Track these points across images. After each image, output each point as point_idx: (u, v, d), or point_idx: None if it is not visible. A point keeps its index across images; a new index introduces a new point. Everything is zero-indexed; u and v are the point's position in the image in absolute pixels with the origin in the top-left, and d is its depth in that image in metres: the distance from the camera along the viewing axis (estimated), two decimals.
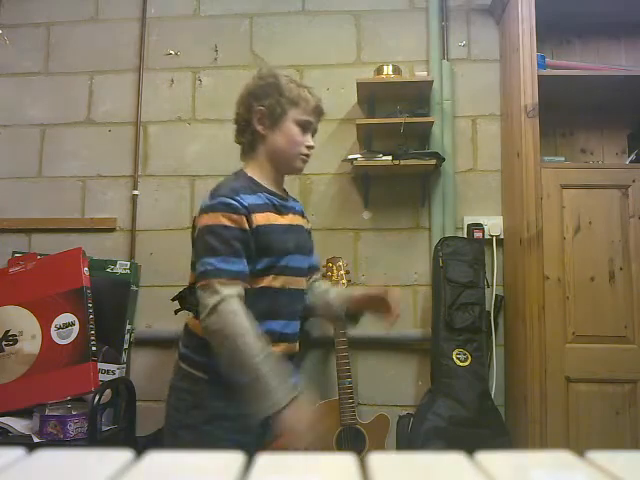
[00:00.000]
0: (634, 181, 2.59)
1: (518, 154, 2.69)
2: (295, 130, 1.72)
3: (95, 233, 3.12)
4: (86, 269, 2.63)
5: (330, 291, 1.94)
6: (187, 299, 1.91)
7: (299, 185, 3.07)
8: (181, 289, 2.80)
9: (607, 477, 0.38)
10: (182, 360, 1.69)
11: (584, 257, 2.56)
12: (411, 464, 0.40)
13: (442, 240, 2.88)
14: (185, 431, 1.61)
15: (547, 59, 2.80)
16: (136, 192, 3.12)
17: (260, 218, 1.62)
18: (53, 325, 2.52)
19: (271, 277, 1.64)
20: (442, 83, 3.05)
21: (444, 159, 2.92)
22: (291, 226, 1.74)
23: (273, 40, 3.20)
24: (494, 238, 2.95)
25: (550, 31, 2.88)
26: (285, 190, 1.85)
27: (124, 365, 2.81)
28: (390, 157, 2.82)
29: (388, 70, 2.94)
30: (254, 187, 1.69)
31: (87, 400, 2.44)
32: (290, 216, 1.76)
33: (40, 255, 2.76)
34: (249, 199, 1.62)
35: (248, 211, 1.60)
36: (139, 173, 3.15)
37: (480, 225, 2.96)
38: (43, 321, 2.54)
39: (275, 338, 1.63)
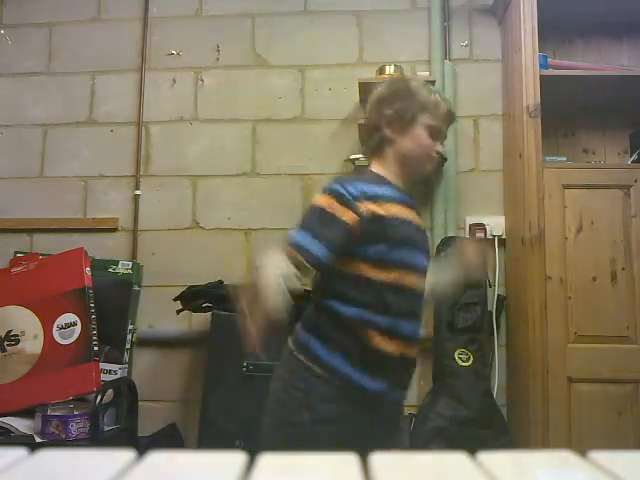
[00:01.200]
0: (636, 181, 2.59)
1: (520, 154, 2.68)
2: (424, 135, 1.69)
3: (97, 233, 3.13)
4: (88, 269, 2.63)
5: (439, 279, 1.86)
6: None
7: (301, 185, 3.07)
8: (183, 289, 2.81)
9: (609, 477, 0.38)
10: (299, 350, 1.61)
11: (586, 257, 2.55)
12: (413, 464, 0.40)
13: (444, 240, 2.88)
14: (292, 429, 1.56)
15: (549, 59, 2.80)
16: (138, 192, 3.13)
17: (382, 205, 1.59)
18: (55, 325, 2.52)
19: (396, 272, 1.59)
20: (444, 83, 3.04)
21: (446, 159, 2.92)
22: (412, 221, 1.69)
23: (275, 40, 3.20)
24: (496, 238, 2.95)
25: (552, 31, 2.87)
26: (411, 194, 1.79)
27: (126, 365, 2.81)
28: None
29: (390, 70, 2.94)
30: (380, 180, 1.68)
31: (89, 400, 2.44)
32: (412, 212, 1.72)
33: (42, 255, 2.76)
34: (373, 190, 1.60)
35: (359, 199, 1.56)
36: (141, 173, 3.15)
37: (482, 225, 2.96)
38: (45, 321, 2.54)
39: (401, 338, 1.60)
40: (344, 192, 1.56)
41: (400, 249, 1.61)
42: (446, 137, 1.78)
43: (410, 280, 1.63)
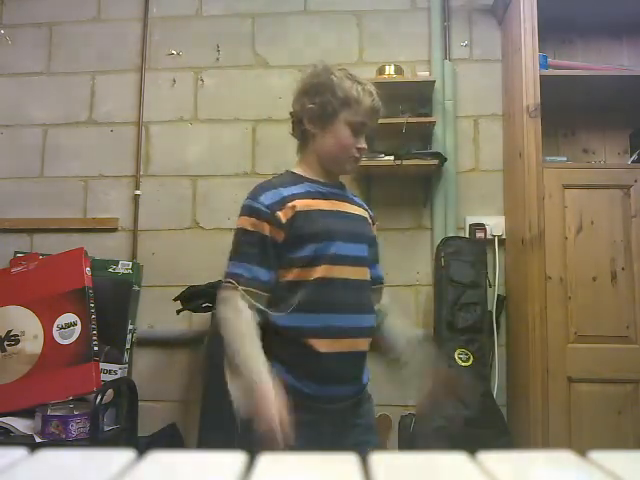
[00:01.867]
0: (636, 181, 2.59)
1: (520, 154, 2.68)
2: (346, 133, 1.62)
3: (97, 233, 3.13)
4: (88, 269, 2.62)
5: (398, 333, 1.78)
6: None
7: None
8: (183, 289, 2.82)
9: (609, 477, 0.38)
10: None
11: (586, 257, 2.55)
12: (413, 464, 0.40)
13: (444, 240, 2.88)
14: (248, 435, 1.50)
15: (549, 59, 2.80)
16: (138, 192, 3.13)
17: (299, 204, 1.57)
18: (55, 325, 2.52)
19: (322, 267, 1.56)
20: (444, 83, 3.05)
21: (446, 159, 2.92)
22: (339, 212, 1.65)
23: (275, 40, 3.20)
24: (496, 238, 2.95)
25: (552, 31, 2.87)
26: (342, 183, 1.76)
27: (126, 365, 2.81)
28: (392, 157, 2.82)
29: (390, 70, 2.94)
30: (296, 179, 1.64)
31: (89, 400, 2.44)
32: (340, 203, 1.67)
33: (42, 255, 2.76)
34: (288, 191, 1.58)
35: (274, 208, 1.54)
36: (141, 173, 3.15)
37: (482, 225, 2.96)
38: (45, 321, 2.54)
39: (335, 333, 1.56)
40: (258, 206, 1.55)
41: (325, 242, 1.57)
42: (374, 130, 1.70)
43: (340, 272, 1.58)
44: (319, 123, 1.63)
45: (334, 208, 1.64)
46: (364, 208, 1.77)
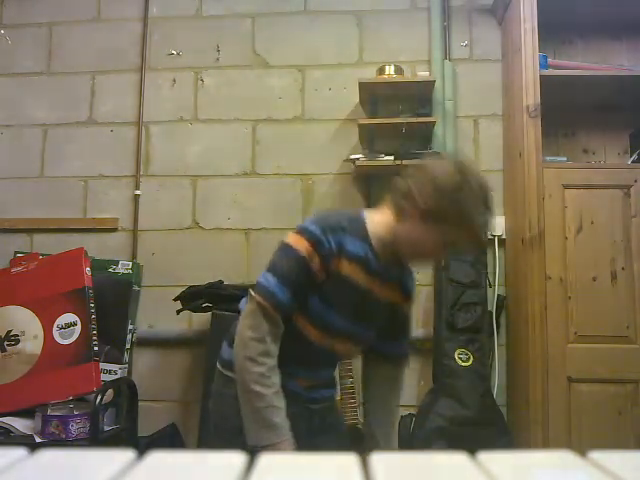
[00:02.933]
0: (636, 181, 2.59)
1: (520, 154, 2.68)
2: (439, 242, 1.51)
3: (97, 233, 3.13)
4: (88, 269, 2.62)
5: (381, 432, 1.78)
6: None
7: (301, 185, 3.07)
8: (183, 289, 2.81)
9: (609, 477, 0.38)
10: (224, 367, 1.64)
11: (586, 257, 2.55)
12: (413, 464, 0.40)
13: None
14: (240, 436, 1.53)
15: (549, 59, 2.80)
16: (138, 192, 3.13)
17: (346, 265, 1.51)
18: (55, 325, 2.52)
19: (312, 327, 1.55)
20: (444, 83, 3.05)
21: None
22: (371, 293, 1.58)
23: (275, 40, 3.20)
24: (496, 238, 2.95)
25: (552, 31, 2.87)
26: (402, 264, 1.65)
27: (126, 365, 2.81)
28: (392, 157, 2.82)
29: (390, 70, 2.94)
30: (364, 237, 1.55)
31: (89, 400, 2.44)
32: (381, 285, 1.59)
33: (42, 255, 2.76)
34: (349, 244, 1.51)
35: (333, 254, 1.49)
36: (141, 173, 3.15)
37: None
38: (45, 321, 2.54)
39: (295, 378, 1.62)
40: (323, 240, 1.49)
41: (336, 313, 1.55)
42: (460, 253, 1.66)
43: (337, 345, 1.61)
44: (421, 217, 1.48)
45: (371, 288, 1.58)
46: (407, 292, 1.71)
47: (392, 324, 1.72)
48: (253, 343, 1.47)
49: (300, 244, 1.49)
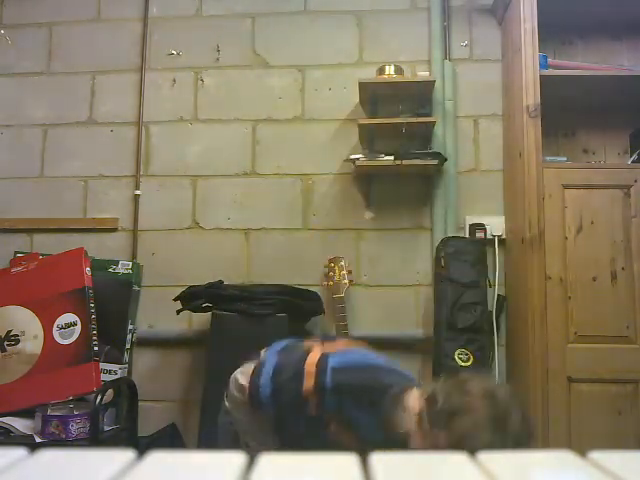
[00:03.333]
0: (636, 181, 2.59)
1: (520, 154, 2.68)
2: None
3: (97, 233, 3.13)
4: (88, 269, 2.62)
5: None
6: None
7: (301, 185, 3.07)
8: (183, 289, 2.81)
9: (609, 477, 0.38)
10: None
11: (586, 257, 2.55)
12: (413, 464, 0.40)
13: (444, 240, 2.88)
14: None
15: (549, 59, 2.80)
16: (138, 192, 3.13)
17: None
18: (55, 325, 2.52)
19: None
20: (444, 83, 3.05)
21: (446, 159, 2.92)
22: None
23: (275, 40, 3.20)
24: (496, 238, 2.95)
25: (552, 31, 2.87)
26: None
27: (126, 365, 2.81)
28: (392, 157, 2.82)
29: (390, 70, 2.94)
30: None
31: (89, 400, 2.44)
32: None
33: (42, 255, 2.76)
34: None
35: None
36: (141, 173, 3.15)
37: (482, 225, 2.96)
38: (45, 321, 2.54)
39: None
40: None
41: None
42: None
43: None
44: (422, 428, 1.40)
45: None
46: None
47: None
48: None
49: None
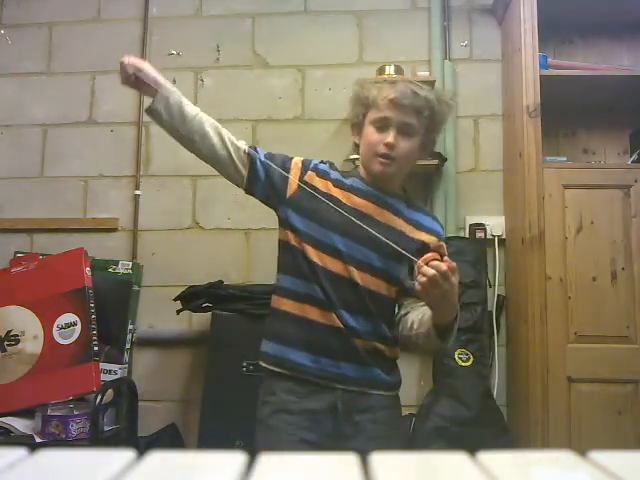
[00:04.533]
0: (636, 181, 2.59)
1: (520, 154, 2.68)
2: (370, 130, 1.64)
3: (97, 233, 3.13)
4: (88, 269, 2.62)
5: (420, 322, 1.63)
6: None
7: None
8: (183, 289, 2.81)
9: (609, 477, 0.38)
10: (260, 358, 1.70)
11: (586, 257, 2.55)
12: (413, 464, 0.40)
13: (444, 240, 2.88)
14: (258, 425, 1.64)
15: (549, 59, 2.80)
16: (138, 192, 3.12)
17: (319, 181, 1.67)
18: (55, 325, 2.52)
19: (309, 248, 1.61)
20: (444, 83, 3.04)
21: (446, 159, 2.92)
22: (365, 214, 1.63)
23: (275, 40, 3.20)
24: (496, 238, 2.95)
25: (552, 31, 2.87)
26: (401, 195, 1.75)
27: (126, 365, 2.81)
28: None
29: (390, 70, 2.94)
30: (351, 173, 1.75)
31: (89, 400, 2.44)
32: (377, 207, 1.65)
33: (42, 255, 2.76)
34: (334, 175, 1.70)
35: (311, 171, 1.70)
36: (141, 173, 3.15)
37: (482, 225, 2.96)
38: (45, 321, 2.54)
39: (291, 295, 1.64)
40: (308, 161, 1.74)
41: (318, 226, 1.62)
42: (408, 125, 1.61)
43: (330, 263, 1.60)
44: (357, 133, 1.71)
45: (363, 209, 1.64)
46: (418, 227, 1.70)
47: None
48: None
49: (295, 158, 1.77)
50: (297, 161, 1.73)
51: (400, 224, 1.68)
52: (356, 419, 1.61)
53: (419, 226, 1.71)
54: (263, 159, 1.69)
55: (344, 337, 1.60)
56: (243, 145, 1.72)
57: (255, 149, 1.72)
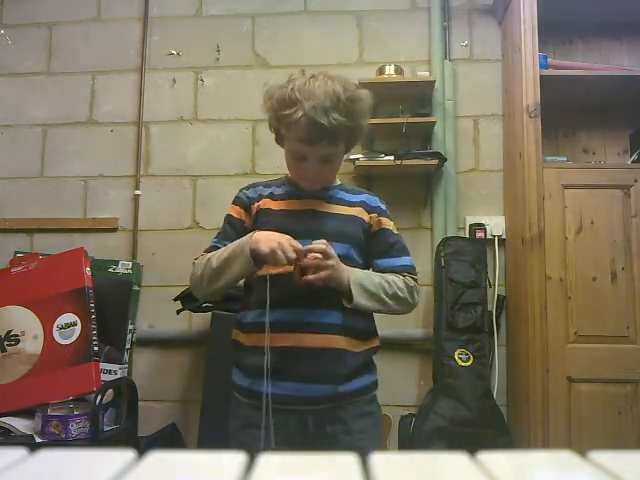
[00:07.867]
0: (636, 181, 2.59)
1: (520, 154, 2.68)
2: (289, 157, 1.66)
3: (97, 233, 3.13)
4: (88, 269, 2.62)
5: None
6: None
7: None
8: (183, 289, 2.81)
9: (609, 477, 0.38)
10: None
11: (586, 257, 2.55)
12: (413, 464, 0.40)
13: (444, 240, 2.88)
14: (231, 439, 1.65)
15: (549, 59, 2.80)
16: (138, 192, 3.13)
17: (266, 203, 1.67)
18: (55, 325, 2.52)
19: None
20: (444, 83, 3.05)
21: (446, 159, 2.92)
22: (311, 211, 1.63)
23: (275, 40, 3.20)
24: (496, 238, 2.95)
25: (552, 31, 2.88)
26: (340, 185, 1.74)
27: (126, 365, 2.81)
28: (392, 157, 2.82)
29: (390, 70, 2.94)
30: (283, 182, 1.73)
31: (89, 400, 2.44)
32: (317, 202, 1.64)
33: (42, 255, 2.76)
34: (267, 190, 1.70)
35: (250, 201, 1.70)
36: (141, 173, 3.15)
37: (482, 225, 2.96)
38: (45, 321, 2.54)
39: (242, 326, 1.72)
40: (242, 196, 1.72)
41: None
42: (320, 155, 1.57)
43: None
44: (280, 145, 1.74)
45: (305, 207, 1.65)
46: (359, 205, 1.68)
47: (375, 243, 1.68)
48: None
49: (229, 209, 1.74)
50: (235, 210, 1.73)
51: (342, 209, 1.67)
52: (329, 431, 1.55)
53: (352, 204, 1.69)
54: (215, 244, 1.76)
55: (311, 356, 1.55)
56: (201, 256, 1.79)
57: (209, 248, 1.78)
